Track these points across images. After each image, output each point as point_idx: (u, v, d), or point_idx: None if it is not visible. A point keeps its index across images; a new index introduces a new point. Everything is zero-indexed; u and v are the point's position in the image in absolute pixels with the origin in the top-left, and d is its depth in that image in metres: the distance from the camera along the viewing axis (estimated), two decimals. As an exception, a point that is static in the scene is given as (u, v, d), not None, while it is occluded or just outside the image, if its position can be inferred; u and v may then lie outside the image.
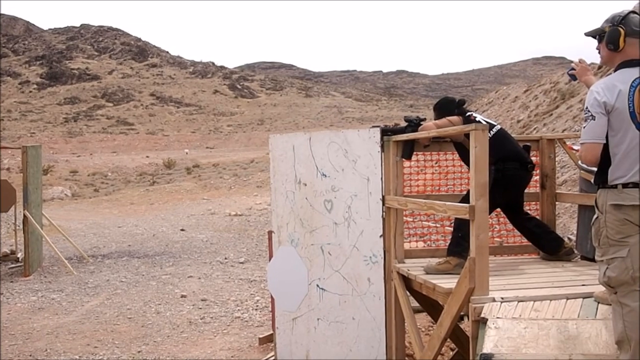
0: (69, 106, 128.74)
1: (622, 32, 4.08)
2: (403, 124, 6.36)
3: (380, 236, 6.17)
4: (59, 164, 49.60)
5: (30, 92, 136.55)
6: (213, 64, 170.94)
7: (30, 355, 8.43)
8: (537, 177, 6.74)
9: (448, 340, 6.41)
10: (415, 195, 6.73)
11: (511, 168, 5.88)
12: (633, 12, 4.24)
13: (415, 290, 6.03)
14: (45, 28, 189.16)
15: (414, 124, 6.23)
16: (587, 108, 4.06)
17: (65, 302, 11.09)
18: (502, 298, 4.62)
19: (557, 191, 7.01)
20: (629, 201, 3.97)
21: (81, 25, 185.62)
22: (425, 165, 7.30)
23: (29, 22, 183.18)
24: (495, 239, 7.03)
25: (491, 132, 5.84)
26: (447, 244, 6.10)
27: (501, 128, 6.18)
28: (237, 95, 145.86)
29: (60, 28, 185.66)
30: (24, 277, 13.11)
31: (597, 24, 4.36)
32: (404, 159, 6.24)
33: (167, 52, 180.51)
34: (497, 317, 4.44)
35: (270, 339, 8.37)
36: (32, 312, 10.45)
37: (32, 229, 13.75)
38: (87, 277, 13.07)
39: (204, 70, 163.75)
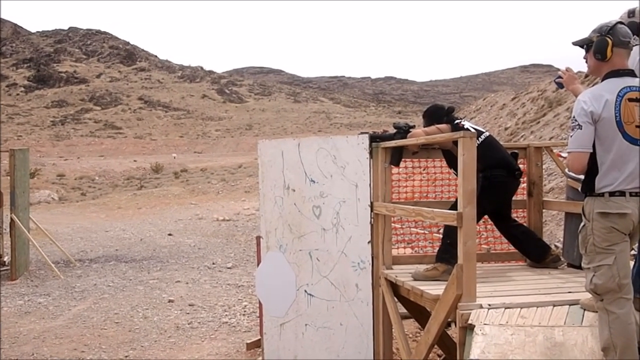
0: (56, 109, 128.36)
1: (610, 42, 4.13)
2: (391, 130, 6.39)
3: (369, 242, 6.19)
4: (46, 168, 49.50)
5: (18, 95, 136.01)
6: (202, 68, 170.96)
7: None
8: (524, 184, 6.78)
9: (435, 346, 6.43)
10: (403, 201, 6.76)
11: (498, 175, 5.91)
12: (620, 22, 4.29)
13: (403, 296, 6.05)
14: (33, 31, 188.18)
15: (402, 131, 6.25)
16: (574, 117, 4.10)
17: (52, 306, 11.05)
18: (489, 305, 4.65)
19: (544, 199, 7.05)
20: (616, 209, 4.01)
21: (69, 28, 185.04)
22: (413, 172, 7.33)
23: (16, 24, 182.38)
24: (483, 245, 7.06)
25: (479, 139, 5.87)
26: (435, 251, 6.13)
27: (489, 135, 6.21)
28: (226, 100, 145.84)
29: (48, 31, 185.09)
30: (10, 280, 13.05)
31: (585, 33, 4.41)
32: (392, 166, 6.27)
33: (156, 56, 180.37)
34: (484, 324, 4.46)
35: (257, 344, 8.36)
36: (19, 316, 10.41)
37: (19, 233, 13.69)
38: (74, 281, 13.02)
39: (193, 74, 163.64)
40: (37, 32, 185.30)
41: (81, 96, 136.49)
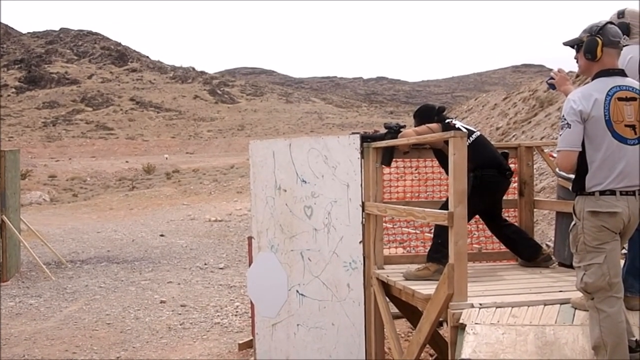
0: (47, 110, 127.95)
1: (600, 42, 4.15)
2: (383, 130, 6.40)
3: (360, 242, 6.19)
4: (37, 169, 49.29)
5: (9, 96, 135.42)
6: (193, 69, 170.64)
7: (6, 361, 8.38)
8: (515, 184, 6.79)
9: (427, 346, 6.44)
10: (394, 201, 6.77)
11: (489, 175, 5.92)
12: (610, 22, 4.31)
13: (394, 296, 6.06)
14: (24, 32, 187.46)
15: (393, 131, 6.26)
16: (563, 116, 4.12)
17: (43, 307, 11.01)
18: (480, 304, 4.66)
19: (535, 198, 7.07)
20: (606, 208, 4.03)
21: (60, 29, 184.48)
22: (404, 171, 7.33)
23: (7, 25, 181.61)
24: (474, 245, 7.08)
25: (470, 138, 5.88)
26: (427, 250, 6.13)
27: (480, 134, 6.22)
28: (218, 101, 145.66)
29: (39, 32, 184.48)
30: (1, 282, 12.99)
31: (576, 33, 4.43)
32: (383, 166, 6.28)
33: (147, 56, 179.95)
34: (476, 323, 4.47)
35: (249, 344, 8.35)
36: (10, 318, 10.36)
37: (10, 234, 13.64)
38: (65, 282, 12.98)
39: (184, 75, 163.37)
40: (28, 33, 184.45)
41: (72, 97, 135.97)
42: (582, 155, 4.10)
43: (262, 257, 6.93)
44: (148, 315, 10.38)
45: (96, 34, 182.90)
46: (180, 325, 9.80)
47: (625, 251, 4.69)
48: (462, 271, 4.66)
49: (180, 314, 10.45)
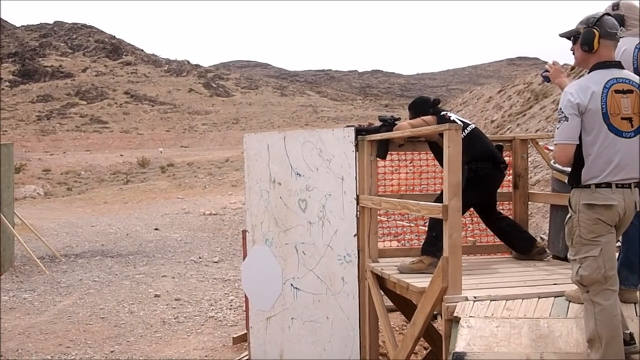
0: (41, 104, 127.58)
1: (597, 33, 4.12)
2: (378, 123, 6.38)
3: (355, 235, 6.18)
4: (31, 163, 49.14)
5: (3, 89, 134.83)
6: (188, 62, 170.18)
7: (1, 356, 8.34)
8: (510, 177, 6.78)
9: (421, 339, 6.43)
10: (389, 194, 6.75)
11: (484, 168, 5.91)
12: (607, 14, 4.29)
13: (389, 289, 6.05)
14: (17, 25, 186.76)
15: (388, 124, 6.25)
16: (560, 109, 4.10)
17: (37, 301, 10.98)
18: (474, 297, 4.65)
19: (530, 191, 7.06)
20: (602, 201, 4.01)
21: (55, 22, 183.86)
22: (399, 164, 7.31)
23: (1, 18, 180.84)
24: (469, 238, 7.06)
25: (465, 131, 5.87)
26: (421, 243, 6.12)
27: (475, 127, 6.20)
28: (212, 94, 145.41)
29: (33, 25, 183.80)
30: (-5, 276, 12.97)
31: (572, 25, 4.40)
32: (378, 159, 6.26)
33: (142, 50, 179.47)
34: (470, 316, 4.46)
35: (244, 338, 8.35)
36: (4, 312, 10.32)
37: (4, 228, 13.59)
38: (59, 276, 12.95)
39: (179, 68, 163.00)
40: (22, 26, 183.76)
41: (67, 90, 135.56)
42: (578, 148, 4.08)
43: (257, 250, 6.92)
44: (142, 309, 10.36)
45: (90, 27, 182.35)
46: (175, 319, 9.79)
47: (620, 244, 4.68)
48: (457, 264, 4.65)
49: (174, 307, 10.43)
